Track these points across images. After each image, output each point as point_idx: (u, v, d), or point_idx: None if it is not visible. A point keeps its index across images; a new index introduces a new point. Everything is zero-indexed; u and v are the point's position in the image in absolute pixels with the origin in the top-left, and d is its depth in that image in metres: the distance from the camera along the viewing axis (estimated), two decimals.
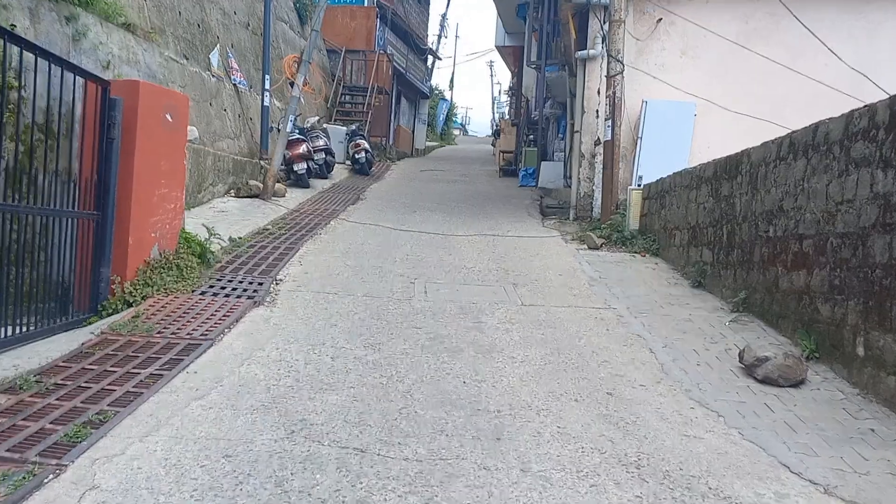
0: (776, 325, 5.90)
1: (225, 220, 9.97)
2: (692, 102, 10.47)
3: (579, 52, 11.43)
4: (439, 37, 39.79)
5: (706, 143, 10.77)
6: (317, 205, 12.86)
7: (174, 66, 11.59)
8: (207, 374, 4.56)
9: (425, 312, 6.38)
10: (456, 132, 53.19)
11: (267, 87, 15.31)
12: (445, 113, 45.23)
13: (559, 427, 4.01)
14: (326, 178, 16.61)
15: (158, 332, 5.24)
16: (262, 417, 3.91)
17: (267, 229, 9.93)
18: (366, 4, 25.52)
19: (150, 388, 4.21)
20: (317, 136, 16.28)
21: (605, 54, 11.02)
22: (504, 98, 59.48)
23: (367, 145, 19.09)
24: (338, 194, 14.64)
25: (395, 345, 5.41)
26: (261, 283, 6.90)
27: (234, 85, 14.76)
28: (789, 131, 6.03)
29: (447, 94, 49.60)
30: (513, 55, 29.32)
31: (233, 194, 12.19)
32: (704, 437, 3.98)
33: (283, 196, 12.88)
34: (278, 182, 13.37)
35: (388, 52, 25.56)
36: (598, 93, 11.40)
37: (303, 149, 14.26)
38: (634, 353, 5.50)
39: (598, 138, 11.39)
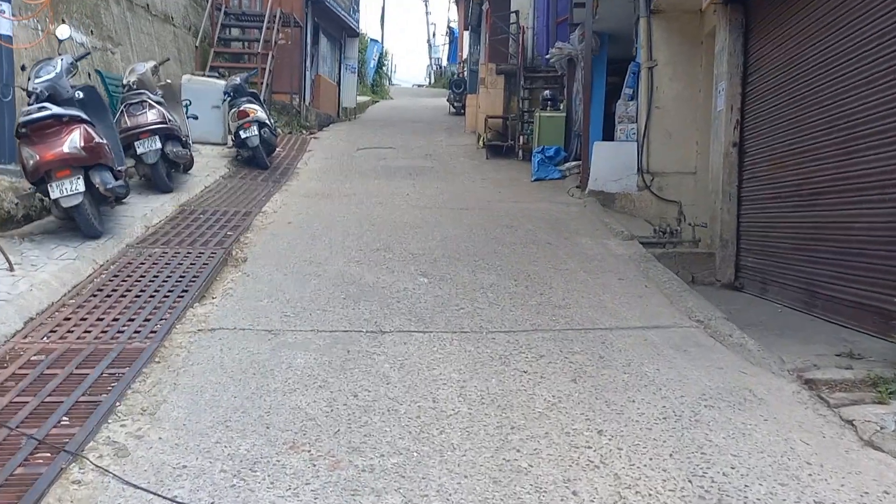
0: None
1: None
2: None
3: None
4: None
5: None
6: (69, 325, 4.34)
7: None
8: None
9: None
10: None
11: None
12: (377, 59, 35.94)
13: None
14: (170, 189, 7.99)
15: None
16: None
17: None
18: None
19: None
20: (142, 105, 7.60)
21: None
22: (440, 40, 50.12)
23: (261, 113, 10.36)
24: (173, 250, 6.06)
25: None
26: None
27: None
28: None
29: (376, 35, 40.08)
30: None
31: None
32: None
33: None
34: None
35: None
36: None
37: (70, 143, 5.53)
38: None
39: None
